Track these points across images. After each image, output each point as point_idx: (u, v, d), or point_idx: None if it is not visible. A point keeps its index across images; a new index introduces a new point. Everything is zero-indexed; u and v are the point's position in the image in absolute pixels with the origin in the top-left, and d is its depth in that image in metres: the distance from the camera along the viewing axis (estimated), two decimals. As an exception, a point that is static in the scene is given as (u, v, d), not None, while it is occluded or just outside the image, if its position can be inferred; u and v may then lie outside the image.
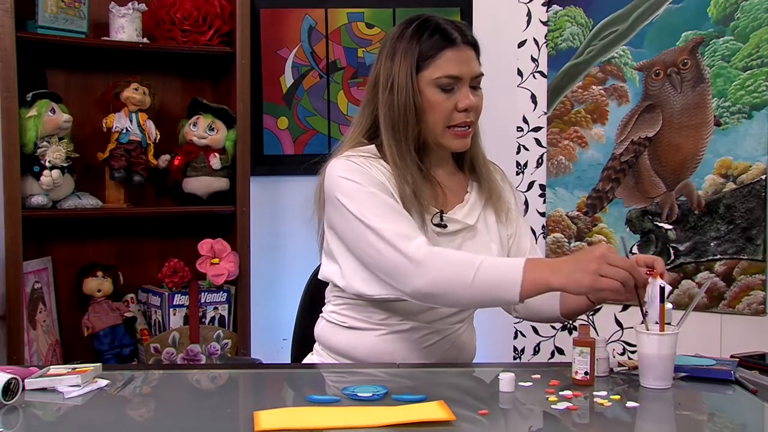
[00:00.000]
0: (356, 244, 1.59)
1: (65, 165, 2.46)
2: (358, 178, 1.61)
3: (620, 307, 2.71)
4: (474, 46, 1.69)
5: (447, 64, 1.64)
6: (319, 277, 1.76)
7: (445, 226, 1.68)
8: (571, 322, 2.63)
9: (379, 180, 1.62)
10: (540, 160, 2.88)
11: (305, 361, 1.81)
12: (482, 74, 1.69)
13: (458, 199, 1.75)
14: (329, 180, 1.64)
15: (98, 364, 1.56)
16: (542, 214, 2.88)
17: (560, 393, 1.41)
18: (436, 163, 1.75)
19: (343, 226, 1.62)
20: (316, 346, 1.80)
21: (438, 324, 1.69)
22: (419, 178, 1.67)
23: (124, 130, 2.58)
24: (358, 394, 1.38)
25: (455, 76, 1.64)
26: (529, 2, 2.88)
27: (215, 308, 2.67)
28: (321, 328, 1.76)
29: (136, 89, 2.59)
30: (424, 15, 1.70)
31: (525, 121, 2.90)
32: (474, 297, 1.50)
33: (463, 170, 1.79)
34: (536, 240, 2.88)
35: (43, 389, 1.43)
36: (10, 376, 1.35)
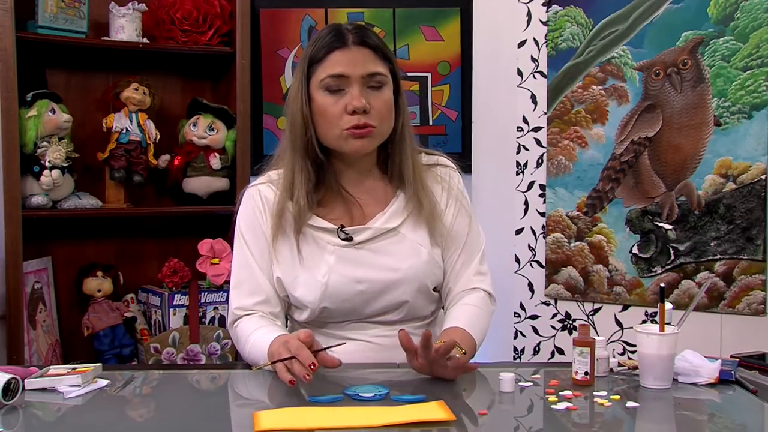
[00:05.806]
0: None
1: (65, 165, 2.46)
2: (240, 216, 1.71)
3: (620, 307, 2.71)
4: (373, 47, 1.61)
5: (332, 65, 1.59)
6: None
7: (351, 239, 1.65)
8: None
9: (256, 216, 1.68)
10: (540, 160, 2.87)
11: None
12: (380, 73, 1.61)
13: (381, 208, 1.69)
14: None
15: (98, 364, 1.56)
16: (542, 214, 2.88)
17: (560, 393, 1.41)
18: (350, 175, 1.69)
19: None
20: None
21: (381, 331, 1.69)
22: (329, 195, 1.68)
23: (124, 130, 2.58)
24: (360, 394, 1.38)
25: (340, 75, 1.59)
26: (529, 2, 2.88)
27: (215, 308, 2.67)
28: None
29: (136, 89, 2.59)
30: (335, 23, 1.67)
31: (525, 121, 2.90)
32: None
33: (392, 179, 1.70)
34: (536, 240, 2.89)
35: (43, 389, 1.43)
36: (10, 376, 1.35)
